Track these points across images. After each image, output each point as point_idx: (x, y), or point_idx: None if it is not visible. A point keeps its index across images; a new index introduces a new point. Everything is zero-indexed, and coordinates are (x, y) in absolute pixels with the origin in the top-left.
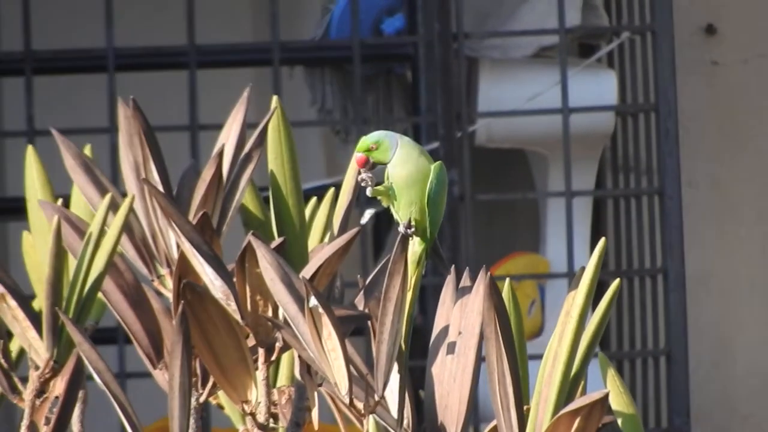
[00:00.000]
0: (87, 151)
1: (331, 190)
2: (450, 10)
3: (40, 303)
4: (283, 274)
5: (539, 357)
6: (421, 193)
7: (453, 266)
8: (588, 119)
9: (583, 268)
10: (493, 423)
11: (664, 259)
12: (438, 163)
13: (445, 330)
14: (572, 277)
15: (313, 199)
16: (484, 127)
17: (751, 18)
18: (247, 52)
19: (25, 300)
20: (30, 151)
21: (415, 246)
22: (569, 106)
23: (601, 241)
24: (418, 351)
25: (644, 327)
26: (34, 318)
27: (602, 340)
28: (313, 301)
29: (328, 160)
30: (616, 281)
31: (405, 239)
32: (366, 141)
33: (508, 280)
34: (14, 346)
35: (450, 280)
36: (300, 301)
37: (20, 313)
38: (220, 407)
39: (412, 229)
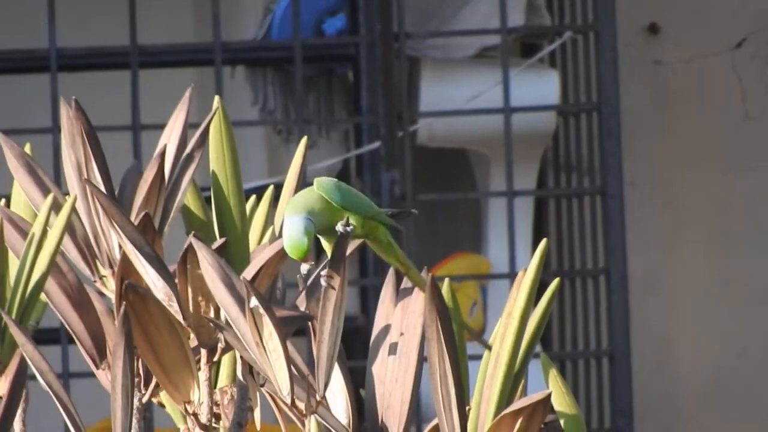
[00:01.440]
0: (27, 149)
1: (270, 188)
2: (392, 10)
3: None
4: (224, 275)
5: (481, 357)
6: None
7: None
8: (530, 119)
9: (525, 270)
10: (434, 422)
11: (606, 259)
12: (315, 180)
13: (385, 330)
14: (514, 277)
15: (252, 198)
16: (426, 127)
17: (695, 17)
18: (188, 52)
19: None
20: None
21: (377, 233)
22: (511, 105)
23: (543, 242)
24: (359, 350)
25: (586, 327)
26: None
27: (544, 340)
28: (254, 302)
29: (269, 160)
30: (556, 280)
31: (344, 239)
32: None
33: (447, 280)
34: None
35: (390, 279)
36: (241, 303)
37: None
38: (161, 405)
39: (350, 227)
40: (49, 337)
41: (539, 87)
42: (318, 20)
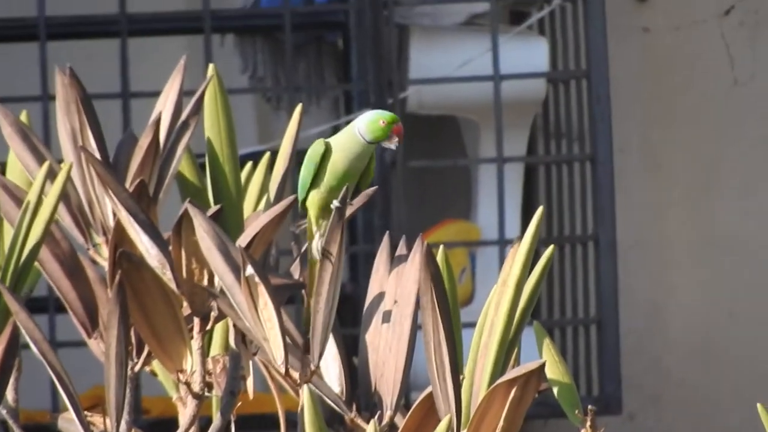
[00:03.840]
0: (23, 118)
1: (267, 155)
2: None
3: None
4: (219, 242)
5: (470, 325)
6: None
7: (385, 233)
8: (519, 86)
9: (519, 237)
10: (428, 390)
11: (595, 225)
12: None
13: (379, 298)
14: (503, 244)
15: (248, 165)
16: (416, 94)
17: None
18: (178, 20)
19: None
20: None
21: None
22: (500, 73)
23: (539, 210)
24: (348, 318)
25: (575, 294)
26: None
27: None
28: (250, 270)
29: (259, 127)
30: (551, 248)
31: (342, 209)
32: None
33: (442, 247)
34: None
35: (384, 247)
36: (236, 270)
37: None
38: (154, 374)
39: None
40: (37, 305)
41: (528, 54)
42: None
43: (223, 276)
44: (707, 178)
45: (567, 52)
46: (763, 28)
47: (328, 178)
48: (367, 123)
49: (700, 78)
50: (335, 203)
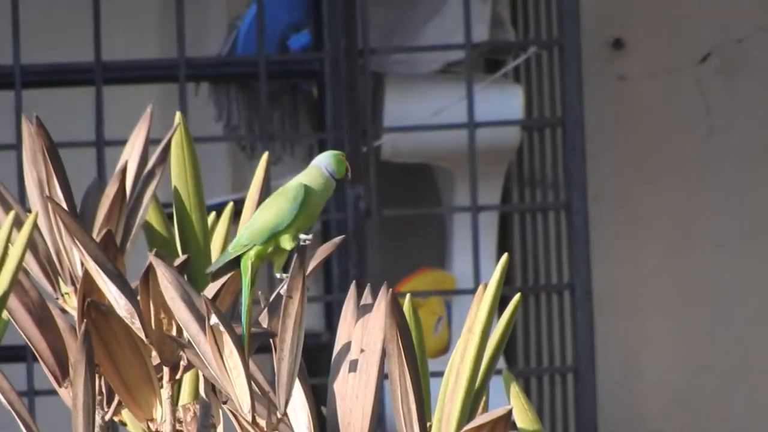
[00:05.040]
0: None
1: (230, 204)
2: (356, 25)
3: None
4: (183, 292)
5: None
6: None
7: (354, 282)
8: (494, 134)
9: (485, 284)
10: None
11: (570, 274)
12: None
13: (346, 346)
14: None
15: (212, 214)
16: (390, 143)
17: (658, 32)
18: (153, 68)
19: None
20: None
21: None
22: (475, 120)
23: (504, 257)
24: (325, 368)
25: (551, 343)
26: None
27: (509, 356)
28: (214, 320)
29: (234, 176)
30: (518, 295)
31: (303, 254)
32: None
33: (408, 296)
34: None
35: (351, 296)
36: (201, 320)
37: None
38: (123, 424)
39: (309, 238)
40: (14, 354)
41: (503, 102)
42: (282, 36)
43: (187, 326)
44: (682, 226)
45: (542, 99)
46: (739, 76)
47: (303, 221)
48: (333, 161)
49: (675, 126)
50: (297, 243)
